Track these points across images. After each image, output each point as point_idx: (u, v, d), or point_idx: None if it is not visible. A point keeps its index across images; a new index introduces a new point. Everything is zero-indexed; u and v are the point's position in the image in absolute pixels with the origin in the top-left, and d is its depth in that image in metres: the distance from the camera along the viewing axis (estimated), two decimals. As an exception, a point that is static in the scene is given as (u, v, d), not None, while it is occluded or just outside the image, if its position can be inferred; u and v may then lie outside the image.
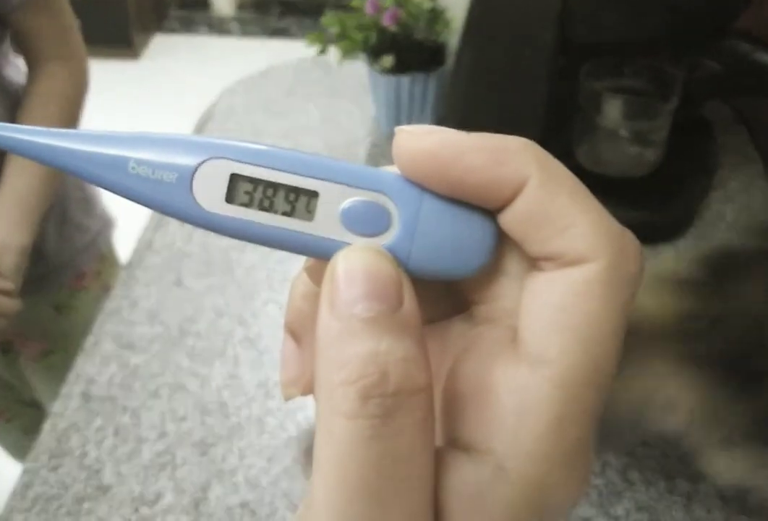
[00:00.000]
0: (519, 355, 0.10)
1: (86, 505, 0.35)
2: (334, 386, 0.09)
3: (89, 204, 0.59)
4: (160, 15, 1.89)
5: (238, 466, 0.37)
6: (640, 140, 0.47)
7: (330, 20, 0.52)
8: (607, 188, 0.48)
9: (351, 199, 0.10)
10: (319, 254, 0.11)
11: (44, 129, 0.11)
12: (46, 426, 0.39)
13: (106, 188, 0.11)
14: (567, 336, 0.09)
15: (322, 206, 0.10)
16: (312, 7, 1.85)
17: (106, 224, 0.61)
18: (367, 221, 0.10)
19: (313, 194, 0.10)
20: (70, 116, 0.50)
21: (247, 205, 0.10)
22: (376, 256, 0.10)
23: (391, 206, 0.10)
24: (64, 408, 0.40)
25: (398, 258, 0.10)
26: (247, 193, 0.10)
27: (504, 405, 0.09)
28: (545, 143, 0.44)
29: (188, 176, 0.10)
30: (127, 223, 0.70)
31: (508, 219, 0.10)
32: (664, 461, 0.37)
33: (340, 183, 0.10)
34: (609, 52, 0.47)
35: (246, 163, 0.10)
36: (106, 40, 1.72)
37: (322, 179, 0.10)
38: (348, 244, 0.10)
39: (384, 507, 0.09)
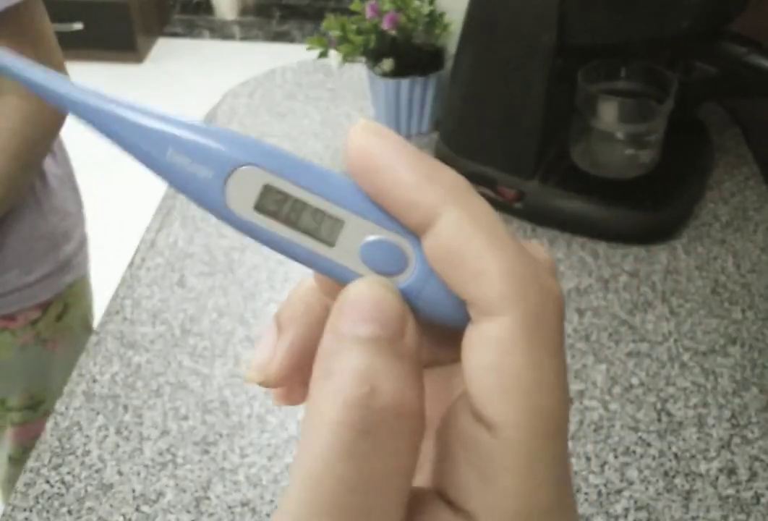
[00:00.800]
0: (474, 414, 0.10)
1: (88, 504, 0.36)
2: (323, 395, 0.09)
3: (43, 245, 0.52)
4: (163, 19, 1.91)
5: (240, 465, 0.37)
6: (635, 142, 0.47)
7: (330, 24, 0.53)
8: (603, 189, 0.49)
9: (374, 236, 0.11)
10: (333, 276, 0.11)
11: (93, 90, 0.11)
12: (49, 425, 0.39)
13: (141, 163, 0.11)
14: (507, 397, 0.09)
15: (344, 235, 0.11)
16: (313, 11, 1.86)
17: (59, 271, 0.54)
18: (384, 260, 0.11)
19: (339, 222, 0.11)
20: (18, 153, 0.45)
21: (274, 216, 0.11)
22: (386, 291, 0.10)
23: (409, 251, 0.10)
24: (66, 407, 0.40)
25: (408, 300, 0.10)
26: (276, 203, 0.11)
27: (472, 465, 0.09)
28: (543, 144, 0.44)
29: (223, 177, 0.11)
30: (130, 223, 0.68)
31: (427, 250, 0.10)
32: (663, 460, 0.37)
33: (368, 219, 0.10)
34: (605, 55, 0.47)
35: (283, 178, 0.11)
36: (110, 44, 1.73)
37: (351, 211, 0.10)
38: (362, 276, 0.11)
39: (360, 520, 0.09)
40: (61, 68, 0.49)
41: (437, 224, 0.10)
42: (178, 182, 0.11)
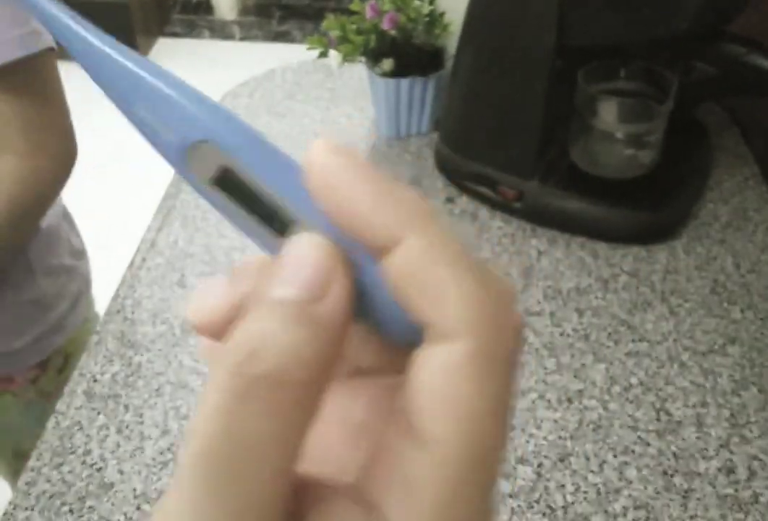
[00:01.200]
0: (411, 430, 0.10)
1: (89, 503, 0.36)
2: (221, 353, 0.09)
3: (33, 308, 0.49)
4: (163, 19, 1.90)
5: (239, 464, 0.37)
6: (635, 142, 0.47)
7: (331, 24, 0.53)
8: (603, 190, 0.49)
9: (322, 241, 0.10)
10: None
11: (87, 27, 0.11)
12: (50, 424, 0.40)
13: (118, 109, 0.11)
14: (447, 419, 0.09)
15: (293, 230, 0.10)
16: (313, 11, 1.86)
17: (50, 333, 0.51)
18: None
19: (292, 221, 0.10)
20: (11, 218, 0.42)
21: (229, 194, 0.10)
22: (314, 245, 0.10)
23: (359, 263, 0.10)
24: (68, 406, 0.40)
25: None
26: (232, 185, 0.10)
27: (399, 476, 0.09)
28: (542, 144, 0.44)
29: (185, 145, 0.10)
30: (130, 223, 0.68)
31: (386, 272, 0.10)
32: (662, 459, 0.37)
33: (319, 230, 0.10)
34: (605, 56, 0.47)
35: (244, 165, 0.10)
36: (109, 44, 1.73)
37: (307, 219, 0.10)
38: None
39: (232, 484, 0.09)
40: (65, 130, 0.45)
41: (400, 247, 0.10)
42: (147, 137, 0.10)
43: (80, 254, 0.56)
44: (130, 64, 0.10)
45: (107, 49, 0.10)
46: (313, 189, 0.10)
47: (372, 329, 0.11)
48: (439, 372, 0.09)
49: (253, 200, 0.10)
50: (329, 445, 0.12)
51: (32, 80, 0.42)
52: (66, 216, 0.55)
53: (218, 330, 0.11)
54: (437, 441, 0.09)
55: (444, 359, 0.09)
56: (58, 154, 0.45)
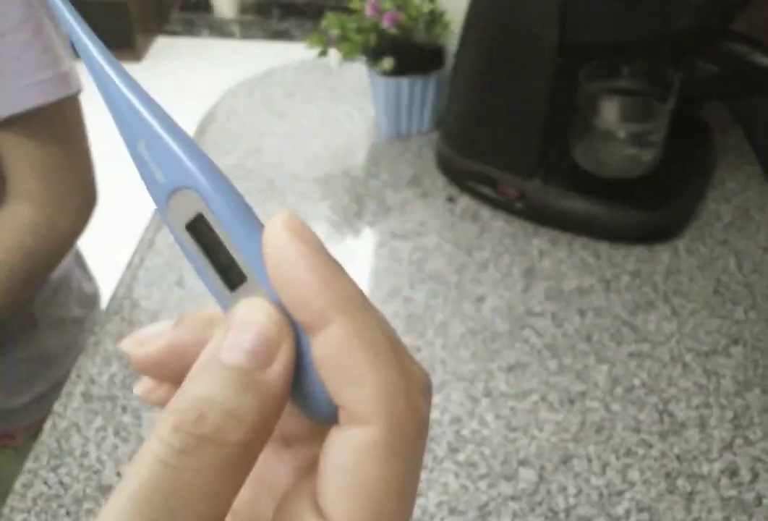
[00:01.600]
0: (317, 504, 0.10)
1: (86, 505, 0.36)
2: (168, 408, 0.10)
3: (36, 364, 0.47)
4: (162, 18, 1.90)
5: (238, 466, 0.37)
6: (637, 141, 0.47)
7: (330, 22, 0.52)
8: (605, 189, 0.48)
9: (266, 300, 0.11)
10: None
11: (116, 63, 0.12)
12: (47, 426, 0.39)
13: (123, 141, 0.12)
14: (353, 498, 0.10)
15: (244, 288, 0.11)
16: (313, 10, 1.86)
17: (57, 388, 0.47)
18: None
19: (243, 277, 0.11)
20: (19, 268, 0.40)
21: (198, 241, 0.11)
22: (267, 319, 0.10)
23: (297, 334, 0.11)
24: (65, 408, 0.40)
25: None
26: (202, 232, 0.11)
27: None
28: (544, 143, 0.44)
29: (171, 188, 0.11)
30: (128, 223, 0.68)
31: (313, 353, 0.11)
32: (665, 461, 0.37)
33: (268, 294, 0.11)
34: (607, 54, 0.47)
35: (215, 218, 0.11)
36: (109, 42, 1.69)
37: (255, 275, 0.11)
38: None
39: None
40: (87, 179, 0.43)
41: (325, 330, 0.10)
42: (141, 173, 0.12)
43: (91, 301, 0.53)
44: (139, 106, 0.12)
45: (123, 88, 0.12)
46: (266, 259, 0.11)
47: (295, 402, 0.11)
48: (347, 454, 0.10)
49: (216, 252, 0.11)
50: (249, 500, 0.12)
51: (56, 126, 0.40)
52: (78, 260, 0.52)
53: (153, 367, 0.12)
54: (336, 520, 0.10)
55: (352, 442, 0.10)
56: (77, 204, 0.43)
